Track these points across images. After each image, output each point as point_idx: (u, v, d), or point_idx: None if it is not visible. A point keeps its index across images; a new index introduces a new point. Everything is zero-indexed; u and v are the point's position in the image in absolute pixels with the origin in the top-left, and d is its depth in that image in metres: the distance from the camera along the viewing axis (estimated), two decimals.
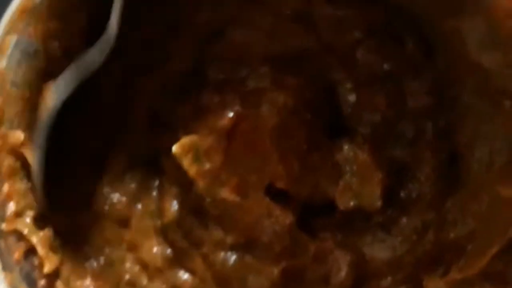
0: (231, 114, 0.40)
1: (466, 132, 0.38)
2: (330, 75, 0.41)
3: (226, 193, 0.39)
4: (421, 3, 0.35)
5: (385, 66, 0.41)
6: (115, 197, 0.41)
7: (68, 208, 0.39)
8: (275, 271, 0.40)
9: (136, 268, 0.40)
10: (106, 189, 0.41)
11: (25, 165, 0.36)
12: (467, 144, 0.38)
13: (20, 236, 0.36)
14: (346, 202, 0.39)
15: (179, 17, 0.40)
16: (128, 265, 0.40)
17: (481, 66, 0.34)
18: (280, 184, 0.40)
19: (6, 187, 0.36)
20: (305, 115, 0.41)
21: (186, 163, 0.39)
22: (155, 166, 0.41)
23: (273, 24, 0.41)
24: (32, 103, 0.37)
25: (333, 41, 0.40)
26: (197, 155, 0.39)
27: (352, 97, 0.41)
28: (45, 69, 0.37)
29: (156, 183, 0.42)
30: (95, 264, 0.40)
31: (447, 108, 0.39)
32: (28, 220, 0.36)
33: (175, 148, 0.39)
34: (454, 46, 0.35)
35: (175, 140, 0.39)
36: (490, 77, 0.34)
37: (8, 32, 0.34)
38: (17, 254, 0.35)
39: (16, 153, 0.36)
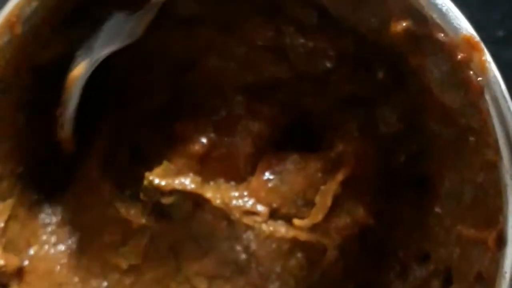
0: (204, 141, 0.41)
1: (435, 159, 0.38)
2: (303, 102, 0.41)
3: None
4: (386, 38, 0.35)
5: (357, 92, 0.41)
6: None
7: None
8: None
9: None
10: None
11: None
12: (437, 171, 0.38)
13: None
14: None
15: (153, 49, 0.41)
16: None
17: (444, 103, 0.34)
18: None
19: None
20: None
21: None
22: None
23: (246, 53, 0.41)
24: (4, 137, 0.37)
25: (305, 69, 0.40)
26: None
27: (324, 123, 0.41)
28: (16, 101, 0.37)
29: None
30: None
31: (417, 135, 0.39)
32: None
33: (150, 177, 0.40)
34: (420, 80, 0.35)
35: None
36: (453, 113, 0.34)
37: None
38: None
39: None
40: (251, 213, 0.40)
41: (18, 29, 0.35)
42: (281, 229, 0.40)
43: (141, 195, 0.40)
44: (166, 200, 0.40)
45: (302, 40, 0.40)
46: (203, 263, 0.41)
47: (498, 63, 0.31)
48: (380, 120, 0.40)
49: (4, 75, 0.36)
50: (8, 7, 0.34)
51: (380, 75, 0.39)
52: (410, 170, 0.40)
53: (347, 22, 0.36)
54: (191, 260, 0.42)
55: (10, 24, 0.34)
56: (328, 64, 0.40)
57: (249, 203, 0.40)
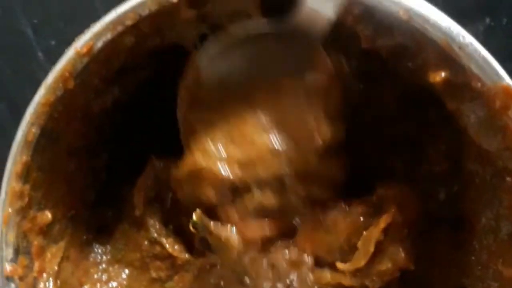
0: None
1: (472, 198, 0.39)
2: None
3: None
4: (425, 83, 0.36)
5: (409, 132, 0.42)
6: None
7: None
8: None
9: None
10: None
11: None
12: (474, 209, 0.39)
13: None
14: None
15: None
16: None
17: (481, 146, 0.35)
18: None
19: (36, 266, 0.38)
20: None
21: None
22: None
23: None
24: (57, 183, 0.39)
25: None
26: None
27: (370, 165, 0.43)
28: (68, 149, 0.39)
29: None
30: None
31: (458, 174, 0.40)
32: None
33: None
34: (459, 123, 0.36)
35: None
36: (490, 155, 0.35)
37: (32, 124, 0.36)
38: None
39: (44, 232, 0.38)
40: (297, 262, 0.41)
41: (71, 84, 0.36)
42: (326, 275, 0.41)
43: (190, 227, 0.41)
44: (213, 238, 0.41)
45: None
46: None
47: None
48: (425, 160, 0.41)
49: (56, 126, 0.37)
50: (61, 63, 0.36)
51: (431, 114, 0.40)
52: (449, 209, 0.40)
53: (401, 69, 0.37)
54: None
55: (63, 79, 0.36)
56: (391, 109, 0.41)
57: (295, 252, 0.41)
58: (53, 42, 0.52)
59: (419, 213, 0.40)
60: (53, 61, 0.36)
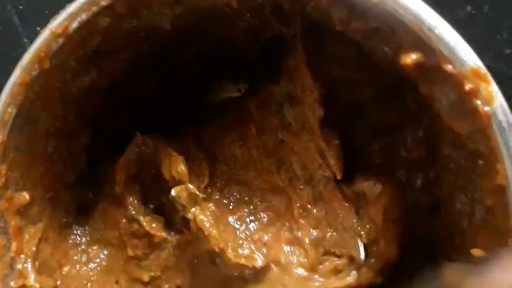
0: None
1: (447, 183, 0.39)
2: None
3: None
4: (399, 68, 0.36)
5: (387, 119, 0.42)
6: None
7: None
8: None
9: None
10: None
11: None
12: (448, 194, 0.39)
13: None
14: None
15: None
16: None
17: (454, 129, 0.35)
18: None
19: (13, 246, 0.38)
20: None
21: None
22: None
23: None
24: (35, 164, 0.39)
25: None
26: None
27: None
28: (46, 130, 0.39)
29: None
30: None
31: (434, 160, 0.40)
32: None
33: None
34: (433, 107, 0.37)
35: None
36: (462, 138, 0.35)
37: (8, 104, 0.37)
38: None
39: (22, 213, 0.38)
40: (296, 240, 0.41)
41: (46, 64, 0.36)
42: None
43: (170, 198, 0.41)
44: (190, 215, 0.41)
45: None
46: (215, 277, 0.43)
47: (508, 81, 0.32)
48: (403, 146, 0.42)
49: (33, 107, 0.38)
50: (37, 44, 0.36)
51: (409, 101, 0.40)
52: (424, 195, 0.41)
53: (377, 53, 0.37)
54: (204, 275, 0.43)
55: (39, 59, 0.36)
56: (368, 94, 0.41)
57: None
58: (38, 28, 0.52)
59: (400, 203, 0.41)
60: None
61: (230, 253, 0.40)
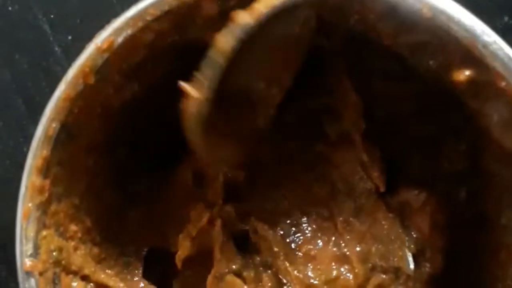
0: None
1: (492, 198, 0.39)
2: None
3: None
4: (446, 83, 0.36)
5: (429, 131, 0.42)
6: None
7: None
8: None
9: None
10: None
11: None
12: (494, 209, 0.39)
13: None
14: None
15: None
16: None
17: (503, 145, 0.35)
18: None
19: None
20: None
21: None
22: None
23: None
24: (76, 176, 0.39)
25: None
26: None
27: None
28: (88, 144, 0.39)
29: None
30: None
31: (478, 173, 0.40)
32: None
33: None
34: (480, 122, 0.36)
35: None
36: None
37: (53, 119, 0.36)
38: None
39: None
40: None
41: (91, 79, 0.36)
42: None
43: None
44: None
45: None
46: None
47: None
48: (445, 159, 0.41)
49: (77, 121, 0.37)
50: (82, 59, 0.36)
51: (452, 114, 0.40)
52: (468, 209, 0.40)
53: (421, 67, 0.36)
54: None
55: (84, 74, 0.36)
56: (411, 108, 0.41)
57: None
58: (70, 38, 0.52)
59: (446, 211, 0.40)
60: (70, 56, 0.36)
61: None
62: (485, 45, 0.32)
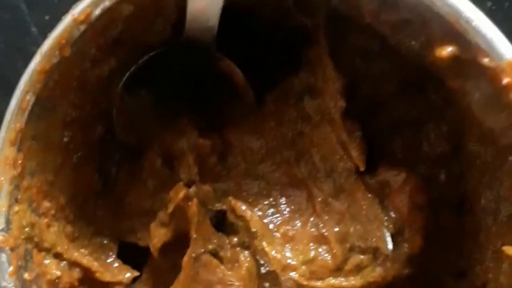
0: None
1: (472, 179, 0.39)
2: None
3: None
4: (427, 61, 0.35)
5: (408, 113, 0.42)
6: None
7: None
8: None
9: None
10: None
11: None
12: (473, 190, 0.39)
13: None
14: None
15: None
16: None
17: (485, 124, 0.35)
18: None
19: None
20: None
21: None
22: None
23: None
24: (51, 151, 0.38)
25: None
26: None
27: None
28: (64, 119, 0.38)
29: None
30: None
31: (459, 155, 0.40)
32: None
33: None
34: (461, 102, 0.36)
35: None
36: (493, 134, 0.35)
37: (27, 91, 0.35)
38: None
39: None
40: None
41: (67, 51, 0.35)
42: None
43: None
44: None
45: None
46: None
47: None
48: (426, 141, 0.41)
49: (52, 95, 0.37)
50: (58, 31, 0.35)
51: (433, 96, 0.40)
52: (449, 191, 0.40)
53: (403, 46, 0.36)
54: None
55: (60, 46, 0.35)
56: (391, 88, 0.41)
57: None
58: (47, 17, 0.51)
59: (425, 190, 0.40)
60: (47, 36, 0.35)
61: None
62: (468, 21, 0.32)
